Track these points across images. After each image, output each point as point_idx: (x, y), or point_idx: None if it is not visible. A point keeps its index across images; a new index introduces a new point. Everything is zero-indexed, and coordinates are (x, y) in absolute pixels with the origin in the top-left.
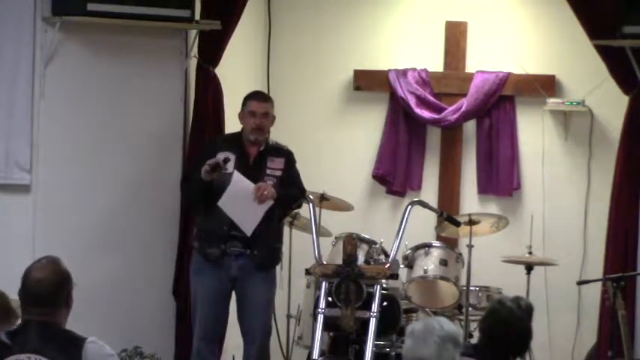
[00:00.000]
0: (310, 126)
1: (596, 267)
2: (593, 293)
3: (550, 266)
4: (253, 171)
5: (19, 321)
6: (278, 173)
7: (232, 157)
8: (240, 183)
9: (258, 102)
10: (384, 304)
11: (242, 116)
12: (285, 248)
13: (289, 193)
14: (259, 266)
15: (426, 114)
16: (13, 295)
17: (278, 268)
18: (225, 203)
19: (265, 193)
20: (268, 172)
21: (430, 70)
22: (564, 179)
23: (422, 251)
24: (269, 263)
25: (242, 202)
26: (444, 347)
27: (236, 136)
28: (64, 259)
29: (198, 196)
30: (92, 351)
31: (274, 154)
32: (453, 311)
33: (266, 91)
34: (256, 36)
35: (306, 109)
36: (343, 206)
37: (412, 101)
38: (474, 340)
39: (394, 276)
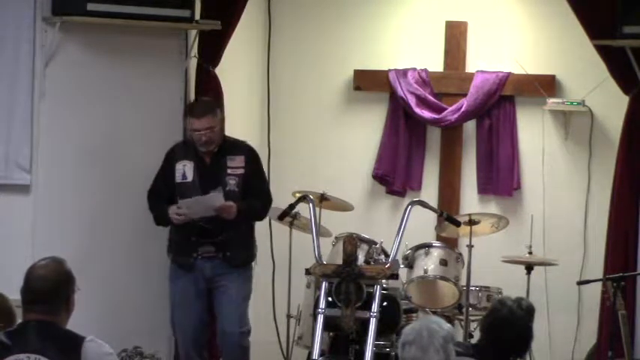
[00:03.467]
0: (310, 126)
1: (596, 267)
2: (593, 293)
3: (550, 266)
4: (212, 172)
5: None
6: (240, 171)
7: (191, 164)
8: (213, 198)
9: (198, 119)
10: (384, 304)
11: (187, 127)
12: (285, 248)
13: (251, 208)
14: (233, 265)
15: (426, 114)
16: (14, 296)
17: (265, 270)
18: (187, 203)
19: (225, 215)
20: (229, 171)
21: (430, 70)
22: (564, 179)
23: (422, 251)
24: (243, 261)
25: (202, 208)
26: (448, 348)
27: (192, 142)
28: (65, 259)
29: (163, 224)
30: (91, 350)
31: (233, 151)
32: (453, 311)
33: (266, 91)
34: (256, 36)
35: (306, 109)
36: (343, 206)
37: (412, 101)
38: (474, 340)
39: (394, 276)
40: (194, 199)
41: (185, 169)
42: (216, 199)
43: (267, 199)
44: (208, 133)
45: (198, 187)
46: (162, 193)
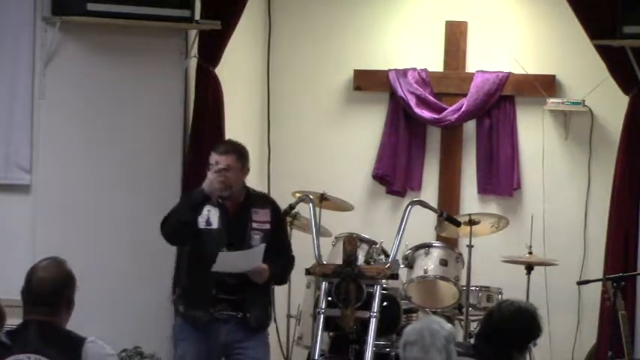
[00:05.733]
0: (310, 126)
1: (596, 267)
2: (593, 293)
3: (550, 266)
4: (235, 225)
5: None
6: (266, 227)
7: (216, 210)
8: (255, 255)
9: (219, 154)
10: (384, 304)
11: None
12: None
13: (282, 273)
14: (252, 330)
15: (426, 114)
16: (14, 296)
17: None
18: (227, 256)
19: (256, 278)
20: (255, 225)
21: (430, 70)
22: (564, 179)
23: (422, 251)
24: (262, 324)
25: (239, 263)
26: (450, 348)
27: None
28: (65, 260)
29: (180, 234)
30: (92, 351)
31: (258, 204)
32: (453, 311)
33: (266, 91)
34: (256, 36)
35: (307, 109)
36: (343, 206)
37: (412, 101)
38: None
39: (394, 276)
40: (238, 253)
41: (210, 215)
42: (257, 255)
43: (292, 260)
44: (224, 172)
45: (224, 237)
46: None
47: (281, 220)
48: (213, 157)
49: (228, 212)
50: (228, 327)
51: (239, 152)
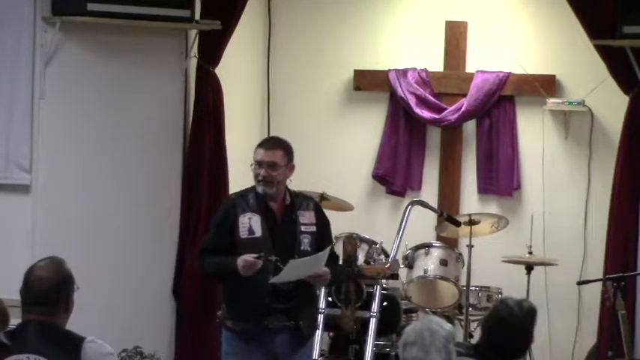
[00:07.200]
0: (310, 126)
1: (596, 267)
2: (593, 293)
3: (550, 266)
4: (284, 228)
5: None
6: (312, 229)
7: (257, 217)
8: (319, 259)
9: (265, 150)
10: (384, 304)
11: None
12: None
13: (338, 276)
14: (303, 339)
15: (426, 114)
16: (14, 296)
17: None
18: (294, 264)
19: (320, 283)
20: (303, 229)
21: (430, 70)
22: (564, 179)
23: (422, 251)
24: (312, 333)
25: (302, 270)
26: (450, 348)
27: (253, 191)
28: (64, 259)
29: (224, 279)
30: (91, 350)
31: (303, 206)
32: (453, 311)
33: (266, 91)
34: (256, 36)
35: (306, 109)
36: (343, 206)
37: (412, 101)
38: (474, 340)
39: (394, 276)
40: (306, 259)
41: (251, 223)
42: (322, 260)
43: (337, 257)
44: (269, 169)
45: (270, 244)
46: (221, 251)
47: (326, 220)
48: (259, 153)
49: (275, 217)
50: (282, 337)
51: (285, 148)
